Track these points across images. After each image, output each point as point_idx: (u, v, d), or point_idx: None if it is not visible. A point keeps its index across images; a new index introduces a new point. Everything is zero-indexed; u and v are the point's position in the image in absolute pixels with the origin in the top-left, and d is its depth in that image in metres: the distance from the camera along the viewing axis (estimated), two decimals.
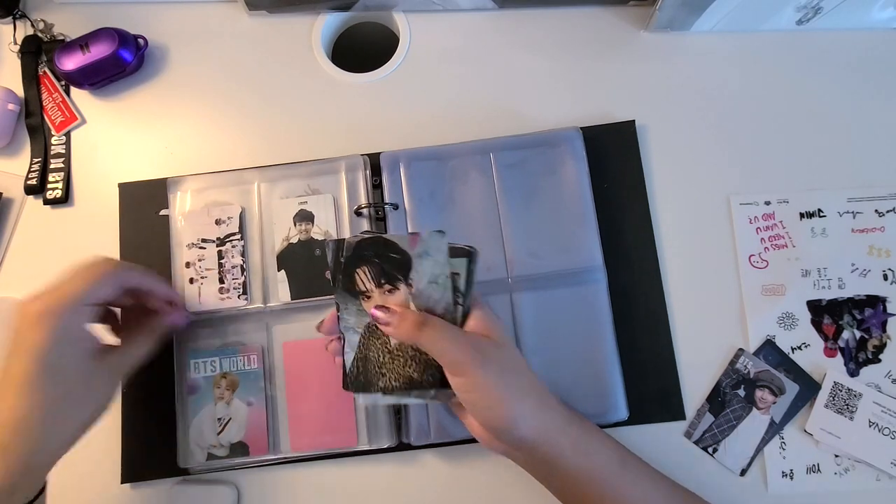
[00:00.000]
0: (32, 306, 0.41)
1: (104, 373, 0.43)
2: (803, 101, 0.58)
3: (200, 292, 0.54)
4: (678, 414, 0.52)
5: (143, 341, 0.47)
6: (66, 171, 0.59)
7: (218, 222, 0.55)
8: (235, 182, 0.56)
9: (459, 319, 0.43)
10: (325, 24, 0.61)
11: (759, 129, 0.57)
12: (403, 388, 0.44)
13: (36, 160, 0.59)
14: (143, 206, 0.57)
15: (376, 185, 0.55)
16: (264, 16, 0.62)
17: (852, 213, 0.55)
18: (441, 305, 0.43)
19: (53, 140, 0.60)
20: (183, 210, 0.55)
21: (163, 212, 0.56)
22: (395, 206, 0.54)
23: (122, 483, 0.53)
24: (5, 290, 0.57)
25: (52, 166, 0.59)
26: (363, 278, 0.43)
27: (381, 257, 0.43)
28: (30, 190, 0.58)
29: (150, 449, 0.53)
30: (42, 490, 0.43)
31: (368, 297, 0.44)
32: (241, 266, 0.54)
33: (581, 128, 0.55)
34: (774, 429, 0.51)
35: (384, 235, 0.43)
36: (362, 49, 0.65)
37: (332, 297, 0.51)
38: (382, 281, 0.43)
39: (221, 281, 0.54)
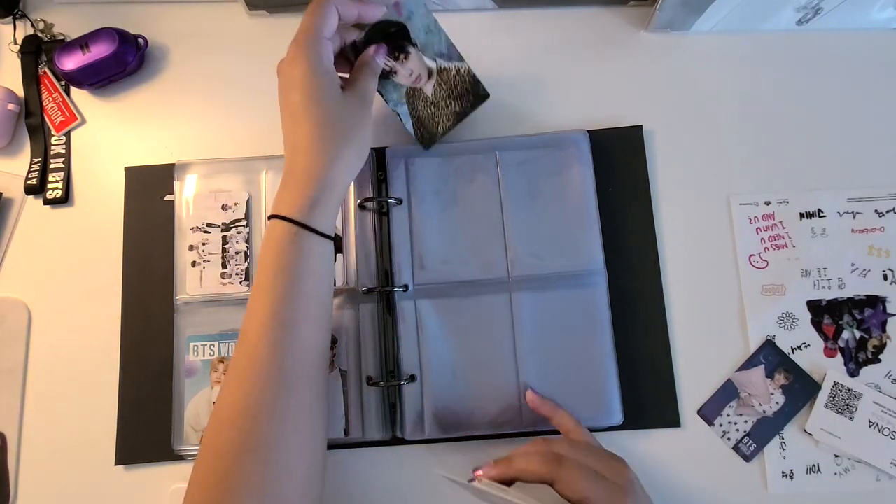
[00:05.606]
0: (291, 48, 0.46)
1: (354, 98, 0.47)
2: (803, 101, 0.58)
3: (202, 276, 0.54)
4: (674, 420, 0.52)
5: (370, 68, 0.50)
6: (66, 170, 0.59)
7: (224, 207, 0.55)
8: (243, 169, 0.56)
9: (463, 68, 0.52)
10: None
11: (759, 129, 0.57)
12: (455, 122, 0.54)
13: (36, 160, 0.59)
14: (148, 191, 0.57)
15: (381, 180, 0.56)
16: (264, 16, 0.62)
17: (852, 213, 0.55)
18: (442, 49, 0.51)
19: (53, 140, 0.60)
20: (189, 193, 0.56)
21: (167, 197, 0.56)
22: (399, 201, 0.54)
23: (115, 465, 0.53)
24: (5, 290, 0.57)
25: (52, 166, 0.59)
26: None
27: (387, 37, 0.50)
28: (30, 190, 0.58)
29: (146, 431, 0.53)
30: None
31: (395, 73, 0.52)
32: (245, 252, 0.54)
33: (588, 131, 0.55)
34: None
35: (377, 22, 0.49)
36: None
37: None
38: (396, 54, 0.51)
39: (224, 266, 0.54)
